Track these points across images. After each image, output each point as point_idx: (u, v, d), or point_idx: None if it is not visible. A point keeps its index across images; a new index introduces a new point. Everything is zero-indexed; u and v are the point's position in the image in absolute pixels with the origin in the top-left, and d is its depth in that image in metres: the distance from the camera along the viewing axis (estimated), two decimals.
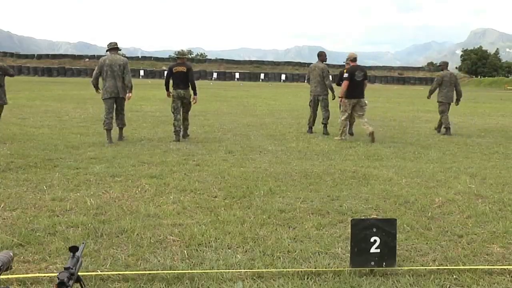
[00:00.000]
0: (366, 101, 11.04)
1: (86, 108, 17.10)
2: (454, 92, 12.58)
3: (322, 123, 11.74)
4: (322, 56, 12.21)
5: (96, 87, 9.88)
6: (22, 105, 14.38)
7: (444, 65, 13.53)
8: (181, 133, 10.11)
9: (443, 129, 12.49)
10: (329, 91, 11.66)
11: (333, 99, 11.62)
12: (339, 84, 11.27)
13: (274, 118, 15.28)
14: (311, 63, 12.53)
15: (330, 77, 11.99)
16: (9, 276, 3.13)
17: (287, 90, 41.21)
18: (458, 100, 12.84)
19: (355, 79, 10.66)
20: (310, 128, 11.99)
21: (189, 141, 9.79)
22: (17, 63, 65.64)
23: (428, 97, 13.17)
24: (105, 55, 9.94)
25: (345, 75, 10.79)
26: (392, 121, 15.72)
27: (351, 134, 11.60)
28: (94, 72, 9.77)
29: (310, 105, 12.15)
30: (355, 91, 10.66)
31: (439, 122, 12.73)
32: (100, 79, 9.63)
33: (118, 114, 9.73)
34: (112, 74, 9.45)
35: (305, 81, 12.36)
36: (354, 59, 11.25)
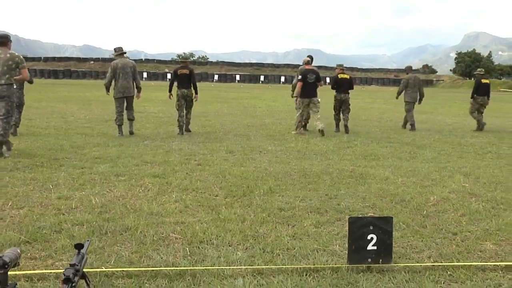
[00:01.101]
0: (319, 99, 11.76)
1: (91, 109, 17.12)
2: (418, 92, 13.69)
3: (306, 119, 12.31)
4: (311, 63, 12.86)
5: (108, 89, 10.76)
6: (29, 106, 14.41)
7: (408, 69, 14.89)
8: (184, 127, 11.18)
9: (408, 126, 13.45)
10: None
11: None
12: (333, 88, 12.60)
13: (274, 119, 15.28)
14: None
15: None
16: (17, 272, 3.14)
17: (286, 91, 41.09)
18: (420, 100, 13.81)
19: (307, 80, 11.52)
20: (305, 125, 12.33)
21: (191, 141, 9.80)
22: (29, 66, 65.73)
23: (397, 97, 14.35)
24: (115, 59, 10.76)
25: (299, 77, 11.77)
26: (389, 121, 15.75)
27: (306, 130, 12.34)
28: (108, 75, 10.61)
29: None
30: (308, 92, 11.55)
31: (405, 119, 13.71)
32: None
33: (129, 109, 10.67)
34: (123, 76, 10.43)
35: (292, 84, 13.17)
36: (307, 62, 12.11)
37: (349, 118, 12.44)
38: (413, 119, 13.38)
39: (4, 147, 7.67)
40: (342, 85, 12.45)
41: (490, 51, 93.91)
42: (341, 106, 12.39)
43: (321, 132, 11.17)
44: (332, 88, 12.66)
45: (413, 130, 13.05)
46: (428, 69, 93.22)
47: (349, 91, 12.52)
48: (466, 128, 14.26)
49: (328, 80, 52.30)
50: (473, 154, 9.13)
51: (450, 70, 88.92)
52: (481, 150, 9.73)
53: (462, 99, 32.54)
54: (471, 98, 14.14)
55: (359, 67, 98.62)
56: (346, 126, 12.22)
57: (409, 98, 13.57)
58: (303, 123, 12.15)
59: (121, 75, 10.39)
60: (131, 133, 10.55)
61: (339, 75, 12.56)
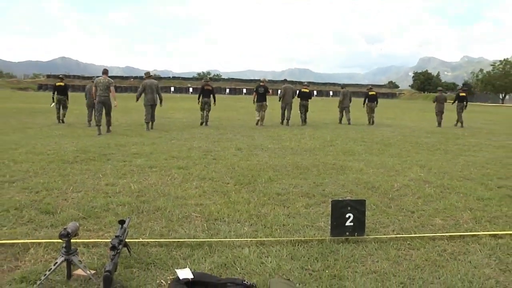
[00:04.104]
0: (267, 103, 14.63)
1: (130, 116, 17.11)
2: (350, 101, 16.60)
3: (287, 119, 14.96)
4: (287, 81, 17.28)
5: (137, 99, 12.34)
6: (84, 114, 14.48)
7: (343, 86, 17.78)
8: (205, 122, 13.61)
9: (343, 122, 16.20)
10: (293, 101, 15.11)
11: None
12: (298, 97, 15.44)
13: (272, 123, 15.23)
14: (301, 81, 14.58)
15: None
16: (77, 240, 3.17)
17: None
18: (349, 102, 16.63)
19: (258, 91, 14.38)
20: (282, 122, 14.99)
21: (207, 140, 9.79)
22: (82, 83, 65.73)
23: (338, 106, 16.72)
24: (145, 79, 12.40)
25: (254, 89, 14.64)
26: (362, 125, 15.68)
27: (287, 123, 14.94)
28: (139, 90, 12.24)
29: (282, 108, 15.05)
30: (259, 98, 14.37)
31: (340, 118, 16.51)
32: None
33: (153, 114, 12.13)
34: (150, 91, 12.09)
35: (279, 95, 15.47)
36: (262, 81, 14.95)
37: (306, 116, 15.42)
38: (346, 117, 16.21)
39: (110, 128, 11.01)
40: (304, 96, 15.52)
41: (438, 72, 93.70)
42: (302, 109, 15.32)
43: (258, 124, 14.18)
44: (298, 97, 15.39)
45: (349, 124, 15.78)
46: (392, 85, 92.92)
47: (308, 100, 15.52)
48: (421, 130, 14.21)
49: (315, 93, 52.42)
50: (427, 151, 9.10)
51: (409, 86, 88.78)
52: (433, 147, 9.70)
53: (418, 108, 32.42)
54: (363, 105, 16.83)
55: (339, 82, 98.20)
56: (304, 120, 15.20)
57: (341, 105, 16.50)
58: (284, 118, 14.92)
59: (148, 90, 12.02)
60: (152, 128, 11.93)
61: (302, 89, 15.65)
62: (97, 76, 11.39)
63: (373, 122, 16.26)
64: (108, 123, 11.04)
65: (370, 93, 16.83)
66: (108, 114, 11.04)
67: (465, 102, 16.85)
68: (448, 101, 18.00)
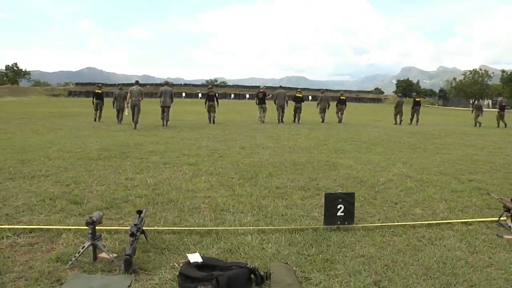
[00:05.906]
0: (267, 106, 16.32)
1: (147, 118, 17.09)
2: (327, 103, 17.51)
3: (281, 118, 16.21)
4: (281, 87, 18.69)
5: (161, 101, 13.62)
6: (107, 117, 14.57)
7: (323, 91, 19.12)
8: (212, 121, 14.88)
9: (321, 121, 17.01)
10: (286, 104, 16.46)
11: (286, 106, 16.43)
12: (293, 101, 16.46)
13: (273, 125, 15.22)
14: (297, 87, 15.16)
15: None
16: (101, 227, 3.19)
17: None
18: (328, 107, 17.55)
19: (259, 96, 16.14)
20: (279, 121, 16.09)
21: (215, 140, 9.78)
22: (105, 90, 65.66)
23: (317, 106, 17.65)
24: (163, 87, 13.90)
25: (256, 94, 16.46)
26: (352, 126, 15.65)
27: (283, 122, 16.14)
28: (158, 95, 13.70)
29: (277, 110, 16.39)
30: (260, 101, 16.07)
31: (321, 118, 17.25)
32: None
33: (166, 114, 13.45)
34: (165, 96, 13.49)
35: (274, 99, 16.53)
36: (262, 88, 16.89)
37: (300, 116, 16.55)
38: (323, 116, 17.20)
39: (138, 126, 12.23)
40: (297, 100, 16.62)
41: (418, 80, 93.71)
42: (296, 110, 16.46)
43: (262, 122, 15.61)
44: (292, 101, 16.51)
45: (323, 122, 16.65)
46: (378, 91, 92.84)
47: (301, 103, 16.60)
48: (404, 131, 14.17)
49: (310, 98, 52.54)
50: (408, 149, 9.08)
51: (393, 91, 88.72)
52: (413, 146, 9.67)
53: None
54: (336, 106, 17.91)
55: (331, 89, 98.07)
56: (298, 119, 16.40)
57: (320, 106, 17.42)
58: (278, 120, 16.14)
59: (163, 94, 13.46)
60: (167, 125, 13.19)
61: (296, 94, 16.74)
62: (119, 84, 13.37)
63: (341, 120, 17.62)
64: (136, 121, 12.44)
65: (341, 97, 18.25)
66: (138, 114, 12.52)
67: (419, 106, 18.48)
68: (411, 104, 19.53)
